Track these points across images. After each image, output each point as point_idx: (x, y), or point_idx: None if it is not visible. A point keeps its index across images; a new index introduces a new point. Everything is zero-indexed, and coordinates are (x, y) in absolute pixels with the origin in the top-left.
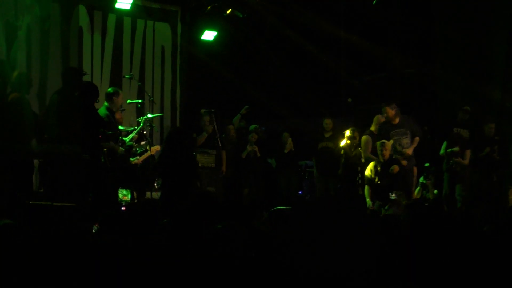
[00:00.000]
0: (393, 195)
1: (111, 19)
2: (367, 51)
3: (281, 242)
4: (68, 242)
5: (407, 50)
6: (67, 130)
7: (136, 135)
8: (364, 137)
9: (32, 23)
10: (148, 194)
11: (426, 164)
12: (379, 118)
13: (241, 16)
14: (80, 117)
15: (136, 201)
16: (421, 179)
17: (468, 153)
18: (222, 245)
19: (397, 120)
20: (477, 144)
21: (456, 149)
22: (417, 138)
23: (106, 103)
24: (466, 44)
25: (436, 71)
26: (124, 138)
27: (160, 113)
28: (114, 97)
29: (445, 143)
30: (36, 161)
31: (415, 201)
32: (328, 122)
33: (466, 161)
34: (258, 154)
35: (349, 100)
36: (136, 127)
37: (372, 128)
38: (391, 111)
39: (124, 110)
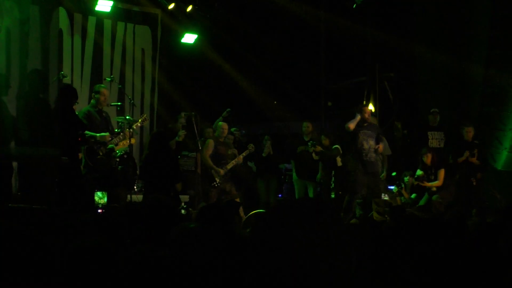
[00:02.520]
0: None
1: (91, 22)
2: (347, 55)
3: (257, 245)
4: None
5: (386, 54)
6: (37, 133)
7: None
8: None
9: (11, 25)
10: (128, 197)
11: (393, 174)
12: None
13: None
14: (51, 119)
15: (116, 204)
16: (394, 189)
17: (442, 173)
18: (193, 245)
19: (368, 121)
20: (455, 148)
21: (420, 173)
22: (381, 145)
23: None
24: (445, 48)
25: (415, 75)
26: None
27: (140, 115)
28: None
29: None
30: (15, 164)
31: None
32: (307, 125)
33: (440, 182)
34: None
35: (329, 104)
36: (116, 130)
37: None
38: (368, 111)
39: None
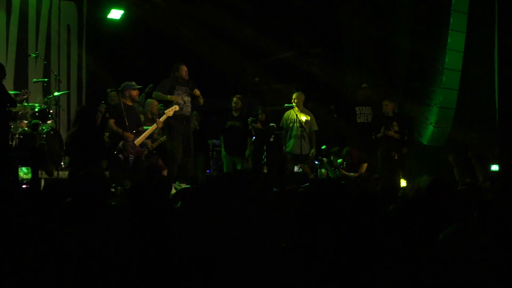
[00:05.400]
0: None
1: None
2: (274, 29)
3: (187, 218)
4: None
5: (313, 29)
6: None
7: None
8: None
9: None
10: (55, 173)
11: (323, 147)
12: None
13: None
14: None
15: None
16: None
17: (364, 167)
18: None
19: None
20: (375, 123)
21: (340, 161)
22: None
23: None
24: (372, 21)
25: (342, 50)
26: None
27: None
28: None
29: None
30: None
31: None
32: (236, 101)
33: (359, 174)
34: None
35: (256, 79)
36: (41, 105)
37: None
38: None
39: (29, 92)
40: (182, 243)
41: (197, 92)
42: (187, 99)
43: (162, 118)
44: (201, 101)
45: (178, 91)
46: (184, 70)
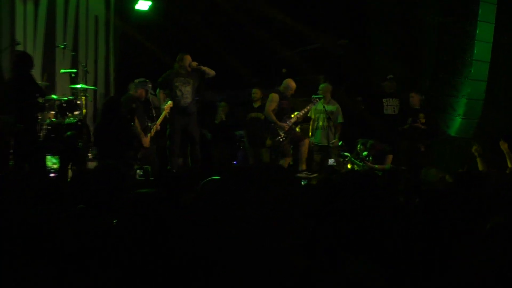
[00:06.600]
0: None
1: None
2: (301, 22)
3: (210, 211)
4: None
5: (340, 21)
6: None
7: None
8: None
9: None
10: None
11: (340, 143)
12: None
13: None
14: (5, 87)
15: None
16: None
17: (389, 158)
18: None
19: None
20: (401, 115)
21: (365, 153)
22: None
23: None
24: (398, 12)
25: (369, 42)
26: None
27: (94, 83)
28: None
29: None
30: None
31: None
32: (255, 91)
33: (386, 166)
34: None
35: (284, 70)
36: (68, 96)
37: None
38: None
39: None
40: (182, 242)
41: (194, 64)
42: (187, 89)
43: (161, 117)
44: (210, 71)
45: (177, 83)
46: (188, 60)
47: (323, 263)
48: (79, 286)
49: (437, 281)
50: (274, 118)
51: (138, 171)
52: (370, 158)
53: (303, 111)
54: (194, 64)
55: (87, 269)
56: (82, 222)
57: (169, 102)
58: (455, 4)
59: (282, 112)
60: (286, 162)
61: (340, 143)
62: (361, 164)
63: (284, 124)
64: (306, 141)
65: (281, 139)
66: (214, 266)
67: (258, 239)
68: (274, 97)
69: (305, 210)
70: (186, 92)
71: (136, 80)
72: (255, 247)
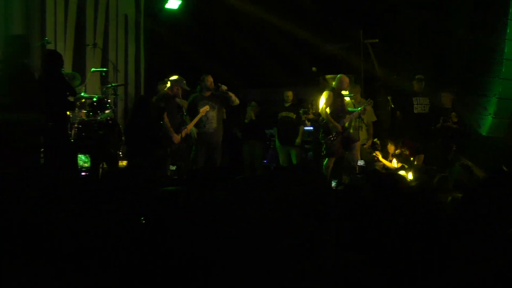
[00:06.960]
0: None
1: None
2: (331, 21)
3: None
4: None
5: (370, 20)
6: (20, 99)
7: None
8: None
9: None
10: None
11: (375, 139)
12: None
13: None
14: (35, 85)
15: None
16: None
17: (421, 158)
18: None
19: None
20: (433, 115)
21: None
22: None
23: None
24: (428, 9)
25: (399, 41)
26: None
27: (124, 82)
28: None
29: None
30: None
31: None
32: (289, 95)
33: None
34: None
35: (314, 69)
36: (99, 95)
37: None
38: (210, 79)
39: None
40: (182, 242)
41: (223, 87)
42: (212, 114)
43: (196, 119)
44: (236, 100)
45: (200, 107)
46: (209, 80)
47: (322, 263)
48: (79, 286)
49: (437, 281)
50: (329, 117)
51: (171, 166)
52: (401, 155)
53: (358, 111)
54: (224, 88)
55: (86, 269)
56: (82, 222)
57: (206, 107)
58: (485, 3)
59: (338, 110)
60: (330, 162)
61: (375, 139)
62: (391, 163)
63: (339, 126)
64: (358, 144)
65: (332, 138)
66: (213, 266)
67: (257, 239)
68: (328, 95)
69: (304, 210)
70: (211, 117)
71: (172, 78)
72: (255, 247)
